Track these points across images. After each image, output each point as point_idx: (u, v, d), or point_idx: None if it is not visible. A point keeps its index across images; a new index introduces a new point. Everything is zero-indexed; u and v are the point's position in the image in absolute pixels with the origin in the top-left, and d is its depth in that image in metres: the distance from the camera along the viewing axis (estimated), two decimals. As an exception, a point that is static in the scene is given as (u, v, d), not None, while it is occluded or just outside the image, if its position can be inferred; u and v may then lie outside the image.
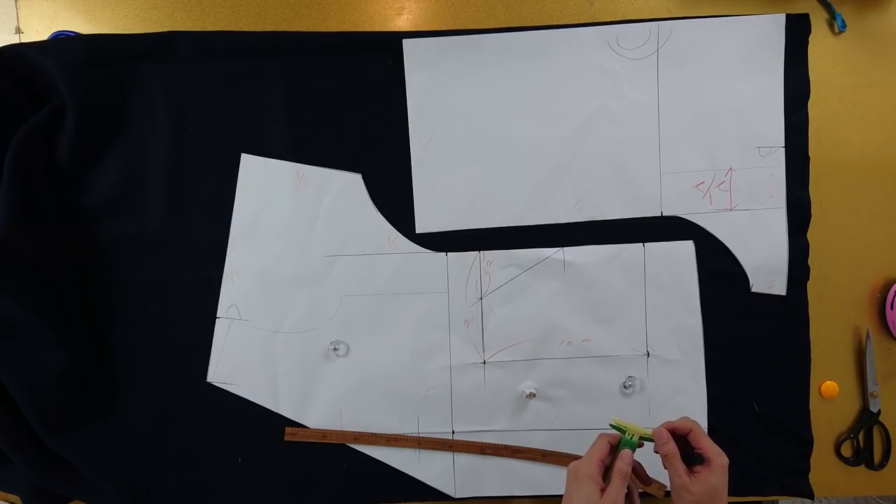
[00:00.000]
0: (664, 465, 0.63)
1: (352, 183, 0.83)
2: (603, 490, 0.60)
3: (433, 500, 0.85)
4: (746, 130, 0.81)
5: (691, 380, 0.83)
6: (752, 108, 0.80)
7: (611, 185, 0.82)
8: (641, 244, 0.82)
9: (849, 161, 0.83)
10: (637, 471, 0.66)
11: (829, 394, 0.85)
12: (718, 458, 0.62)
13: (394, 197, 0.83)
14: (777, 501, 1.11)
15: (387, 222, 0.83)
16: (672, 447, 0.62)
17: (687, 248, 0.82)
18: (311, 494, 0.85)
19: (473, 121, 0.81)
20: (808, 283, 0.83)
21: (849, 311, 0.85)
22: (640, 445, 0.65)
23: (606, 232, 0.82)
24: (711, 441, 0.63)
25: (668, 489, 0.83)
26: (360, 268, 0.83)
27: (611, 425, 0.66)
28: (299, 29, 0.82)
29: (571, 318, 0.83)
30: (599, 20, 0.81)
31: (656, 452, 0.65)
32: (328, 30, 0.82)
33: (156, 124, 0.82)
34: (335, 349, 0.84)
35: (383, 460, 0.85)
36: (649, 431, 0.65)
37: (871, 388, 0.84)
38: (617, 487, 0.60)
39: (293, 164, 0.82)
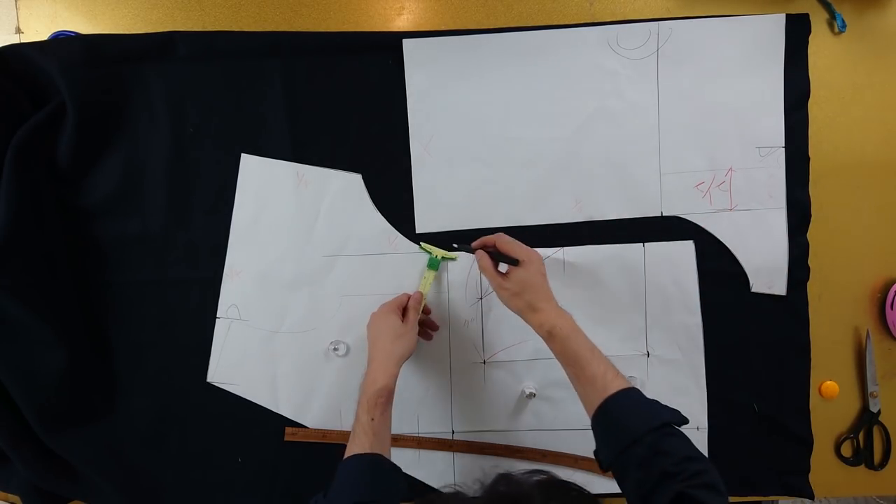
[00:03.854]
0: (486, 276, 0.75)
1: (352, 183, 0.83)
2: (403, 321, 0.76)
3: (433, 500, 0.85)
4: (746, 130, 0.81)
5: (691, 380, 0.83)
6: (752, 108, 0.81)
7: (611, 185, 0.82)
8: (641, 244, 0.82)
9: (849, 161, 0.83)
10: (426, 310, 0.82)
11: (829, 394, 0.85)
12: (526, 255, 0.72)
13: (394, 197, 0.83)
14: (777, 501, 1.12)
15: (387, 222, 0.83)
16: (486, 262, 0.74)
17: (687, 248, 0.82)
18: (311, 494, 0.85)
19: (473, 121, 0.81)
20: (808, 283, 0.83)
21: (849, 311, 0.85)
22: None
23: (606, 232, 0.82)
24: (520, 245, 0.73)
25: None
26: (360, 268, 0.83)
27: (420, 246, 0.82)
28: (299, 29, 0.82)
29: (571, 318, 0.83)
30: (599, 20, 0.81)
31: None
32: (328, 30, 0.82)
33: (156, 124, 0.82)
34: (335, 349, 0.84)
35: (383, 460, 0.85)
36: (452, 255, 0.82)
37: (871, 388, 0.84)
38: (413, 315, 0.78)
39: (293, 164, 0.82)
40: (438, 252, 0.82)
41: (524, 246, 0.74)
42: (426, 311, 0.82)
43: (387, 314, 0.76)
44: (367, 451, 0.66)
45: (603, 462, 0.62)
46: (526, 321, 0.72)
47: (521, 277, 0.71)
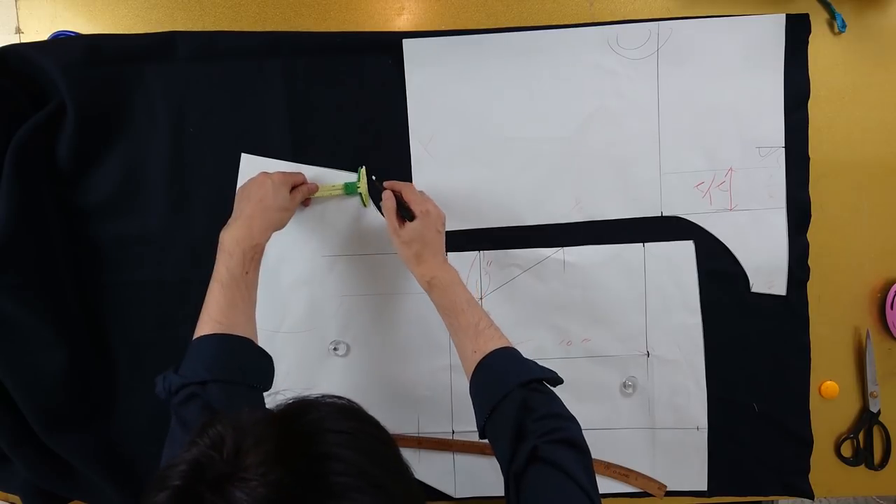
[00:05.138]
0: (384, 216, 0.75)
1: (352, 183, 0.83)
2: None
3: (433, 500, 0.85)
4: (746, 130, 0.81)
5: (691, 380, 0.83)
6: (752, 108, 0.80)
7: (611, 185, 0.82)
8: (641, 244, 0.82)
9: (849, 161, 0.83)
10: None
11: (829, 394, 0.85)
12: (424, 210, 0.73)
13: (394, 197, 0.83)
14: (777, 501, 1.12)
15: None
16: (390, 204, 0.74)
17: (687, 248, 0.82)
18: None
19: (473, 121, 0.81)
20: (808, 283, 0.83)
21: (849, 311, 0.85)
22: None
23: (606, 232, 0.82)
24: (423, 198, 0.75)
25: (668, 489, 0.84)
26: (360, 268, 0.83)
27: (358, 171, 0.81)
28: (299, 29, 0.82)
29: (571, 318, 0.83)
30: (599, 20, 0.81)
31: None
32: (328, 30, 0.82)
33: (156, 124, 0.82)
34: (335, 349, 0.84)
35: (383, 460, 0.84)
36: (368, 203, 0.81)
37: (871, 388, 0.84)
38: (300, 197, 0.77)
39: (293, 164, 0.82)
40: (363, 189, 0.81)
41: (427, 201, 0.75)
42: (305, 203, 0.82)
43: (280, 184, 0.74)
44: (240, 305, 0.65)
45: (479, 426, 0.62)
46: (411, 271, 0.74)
47: (415, 228, 0.72)
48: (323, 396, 0.46)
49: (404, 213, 0.74)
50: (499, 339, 0.66)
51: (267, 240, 0.72)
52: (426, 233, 0.73)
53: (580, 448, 0.56)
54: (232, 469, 0.37)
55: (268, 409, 0.44)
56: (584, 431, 0.78)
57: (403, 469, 0.45)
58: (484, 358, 0.64)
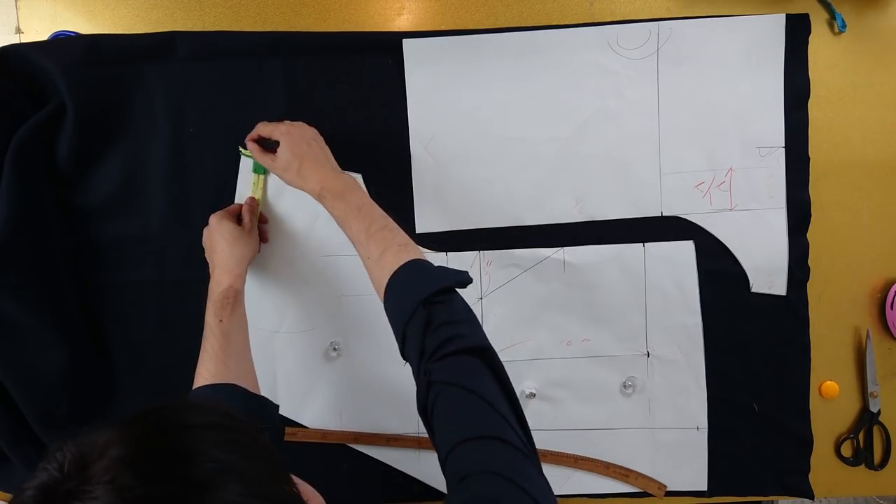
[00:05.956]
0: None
1: (352, 183, 0.83)
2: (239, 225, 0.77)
3: (433, 500, 0.85)
4: (746, 130, 0.81)
5: (691, 380, 0.83)
6: (752, 108, 0.80)
7: (611, 185, 0.82)
8: (641, 244, 0.82)
9: (849, 161, 0.83)
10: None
11: (829, 394, 0.85)
12: (284, 131, 0.72)
13: (394, 197, 0.82)
14: (777, 501, 1.12)
15: (387, 222, 0.83)
16: (252, 148, 0.75)
17: (687, 248, 0.82)
18: (311, 494, 0.85)
19: (473, 121, 0.81)
20: (808, 283, 0.83)
21: (849, 311, 0.85)
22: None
23: (606, 232, 0.82)
24: (276, 124, 0.74)
25: (668, 489, 0.84)
26: (360, 268, 0.82)
27: (240, 151, 0.81)
28: (299, 29, 0.82)
29: (571, 318, 0.83)
30: (599, 20, 0.81)
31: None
32: (328, 30, 0.82)
33: (156, 124, 0.81)
34: (335, 349, 0.84)
35: (383, 460, 0.85)
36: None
37: (871, 388, 0.84)
38: (249, 218, 0.78)
39: (293, 164, 0.82)
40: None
41: (281, 124, 0.74)
42: (263, 220, 0.82)
43: (220, 221, 0.75)
44: (219, 355, 0.66)
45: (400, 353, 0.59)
46: (307, 193, 0.72)
47: (282, 152, 0.71)
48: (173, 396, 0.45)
49: (269, 145, 0.74)
50: (392, 240, 0.62)
51: (239, 278, 0.73)
52: (296, 149, 0.71)
53: (473, 350, 0.52)
54: (77, 483, 0.37)
55: (115, 417, 0.43)
56: (583, 432, 0.78)
57: (264, 453, 0.41)
58: (391, 276, 0.60)
